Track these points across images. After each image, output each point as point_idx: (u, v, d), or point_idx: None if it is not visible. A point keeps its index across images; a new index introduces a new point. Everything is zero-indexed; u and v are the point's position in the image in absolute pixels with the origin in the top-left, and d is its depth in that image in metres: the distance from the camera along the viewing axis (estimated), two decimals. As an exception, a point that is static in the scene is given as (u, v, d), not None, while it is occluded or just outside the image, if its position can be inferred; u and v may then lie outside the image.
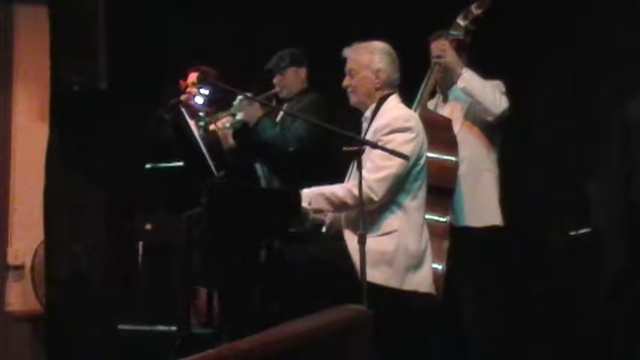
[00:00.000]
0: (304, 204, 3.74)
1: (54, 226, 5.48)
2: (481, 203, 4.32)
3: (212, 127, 4.80)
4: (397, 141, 3.73)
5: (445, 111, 4.44)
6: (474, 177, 4.31)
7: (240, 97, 4.74)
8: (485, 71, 4.44)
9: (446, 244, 4.02)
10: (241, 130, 4.77)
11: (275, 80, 4.90)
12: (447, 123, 4.28)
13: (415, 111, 4.21)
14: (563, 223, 4.77)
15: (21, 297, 5.82)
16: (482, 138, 4.37)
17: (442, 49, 4.33)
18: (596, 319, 4.52)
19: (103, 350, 5.18)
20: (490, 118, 4.30)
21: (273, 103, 4.90)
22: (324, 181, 3.86)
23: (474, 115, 4.35)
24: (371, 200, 3.68)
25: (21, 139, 5.90)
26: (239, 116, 4.75)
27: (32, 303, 5.74)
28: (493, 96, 4.27)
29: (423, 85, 4.36)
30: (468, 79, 4.27)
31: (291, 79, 4.89)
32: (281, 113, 4.87)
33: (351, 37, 4.06)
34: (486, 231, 4.32)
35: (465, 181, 4.25)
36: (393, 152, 3.62)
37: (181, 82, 5.02)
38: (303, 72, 4.92)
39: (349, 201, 3.71)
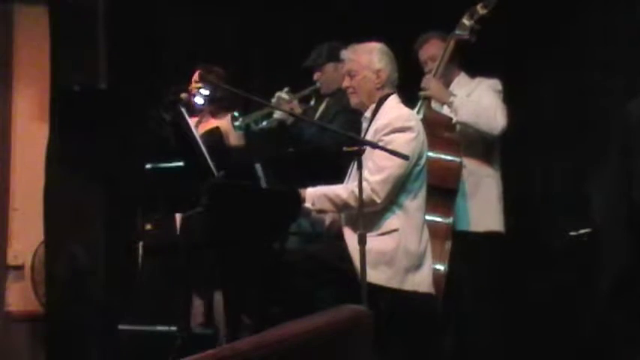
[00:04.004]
0: (308, 204, 3.75)
1: (54, 226, 5.48)
2: (481, 208, 4.32)
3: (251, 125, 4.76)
4: (398, 141, 3.73)
5: (446, 111, 4.43)
6: (474, 182, 4.30)
7: (278, 94, 4.71)
8: (486, 71, 4.44)
9: (448, 244, 4.02)
10: (278, 129, 4.74)
11: (315, 76, 4.83)
12: (450, 123, 4.27)
13: (418, 114, 4.21)
14: (563, 223, 4.77)
15: (21, 297, 5.82)
16: (482, 142, 4.36)
17: (425, 84, 4.32)
18: (596, 320, 4.52)
19: (103, 350, 5.18)
20: (490, 138, 4.29)
21: (313, 100, 4.87)
22: (324, 181, 3.86)
23: None
24: (374, 202, 3.69)
25: (21, 139, 5.89)
26: (276, 115, 4.72)
27: (32, 303, 5.74)
28: (487, 119, 4.23)
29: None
30: (459, 110, 4.24)
31: (330, 75, 4.78)
32: (319, 110, 4.83)
33: (351, 38, 4.06)
34: (486, 236, 4.31)
35: (465, 186, 4.25)
36: (393, 152, 3.62)
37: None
38: (342, 67, 4.86)
39: (352, 202, 3.70)
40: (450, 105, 4.27)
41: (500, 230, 4.36)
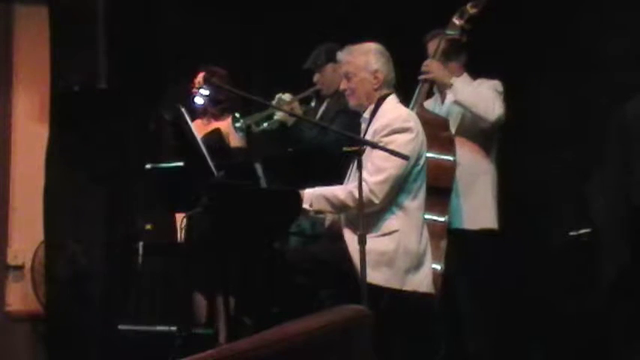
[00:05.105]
0: (306, 205, 3.74)
1: (54, 226, 5.49)
2: (476, 206, 4.32)
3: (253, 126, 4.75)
4: (397, 142, 3.72)
5: (443, 111, 4.44)
6: (469, 180, 4.31)
7: (278, 96, 4.71)
8: (485, 71, 4.44)
9: (444, 243, 4.02)
10: (279, 131, 4.74)
11: (315, 78, 4.84)
12: (444, 122, 4.28)
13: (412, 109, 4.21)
14: (563, 223, 4.77)
15: (21, 297, 5.82)
16: (478, 140, 4.37)
17: (426, 66, 4.33)
18: (596, 319, 4.52)
19: (103, 350, 5.18)
20: (485, 125, 4.30)
21: (314, 101, 4.88)
22: (324, 182, 3.86)
23: (471, 118, 4.35)
24: (372, 203, 3.68)
25: (21, 139, 5.90)
26: (277, 116, 4.72)
27: (32, 303, 5.74)
28: (486, 104, 4.25)
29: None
30: (459, 90, 4.26)
31: (330, 76, 4.78)
32: (320, 112, 4.83)
33: (350, 38, 4.06)
34: (481, 234, 4.32)
35: (460, 184, 4.25)
36: (393, 153, 3.62)
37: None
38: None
39: (350, 203, 3.70)
40: (450, 86, 4.27)
41: (494, 228, 4.36)
